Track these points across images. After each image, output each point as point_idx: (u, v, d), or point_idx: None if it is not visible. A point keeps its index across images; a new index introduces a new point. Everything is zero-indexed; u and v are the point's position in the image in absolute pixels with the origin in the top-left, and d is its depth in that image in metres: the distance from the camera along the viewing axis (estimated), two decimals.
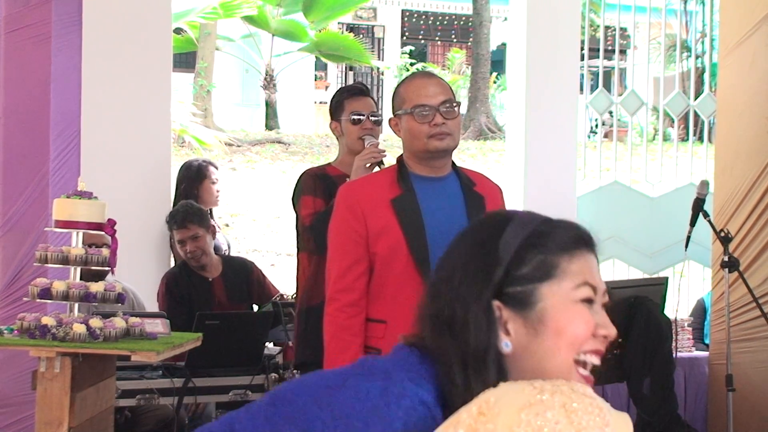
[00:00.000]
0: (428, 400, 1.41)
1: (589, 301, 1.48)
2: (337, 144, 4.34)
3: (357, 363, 1.49)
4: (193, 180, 5.78)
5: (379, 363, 1.48)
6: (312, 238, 3.98)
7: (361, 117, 4.19)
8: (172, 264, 5.67)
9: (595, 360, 1.49)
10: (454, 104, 3.26)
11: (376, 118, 4.22)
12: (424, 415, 1.40)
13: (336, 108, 4.26)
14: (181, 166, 5.98)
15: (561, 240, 1.50)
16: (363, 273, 3.21)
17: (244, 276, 5.36)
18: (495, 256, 1.48)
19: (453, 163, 3.35)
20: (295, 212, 4.24)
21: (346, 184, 3.43)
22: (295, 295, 4.60)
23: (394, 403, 1.39)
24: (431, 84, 3.29)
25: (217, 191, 5.84)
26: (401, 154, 3.36)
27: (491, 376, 1.44)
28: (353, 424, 1.37)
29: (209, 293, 5.24)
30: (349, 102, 4.23)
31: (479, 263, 1.49)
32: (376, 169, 3.82)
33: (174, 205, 5.64)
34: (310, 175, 4.19)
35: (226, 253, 5.78)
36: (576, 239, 1.52)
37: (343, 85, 4.61)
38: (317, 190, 4.09)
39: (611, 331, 1.49)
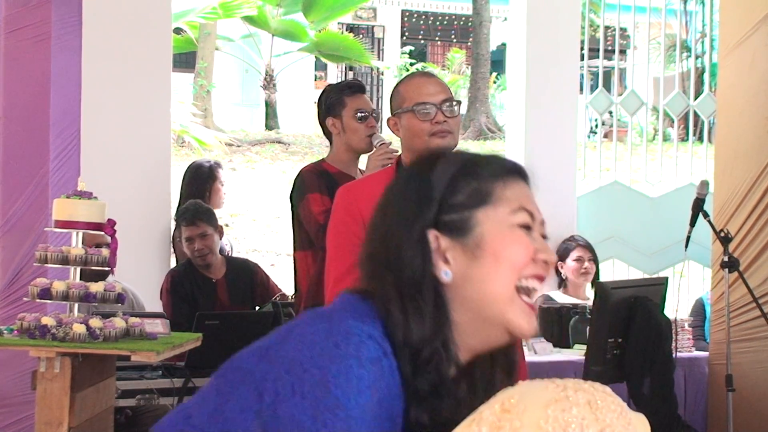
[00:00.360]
0: (375, 334, 1.39)
1: (527, 227, 1.47)
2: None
3: (298, 317, 1.48)
4: (204, 182, 5.79)
5: (319, 310, 1.47)
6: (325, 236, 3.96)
7: (367, 114, 4.18)
8: (173, 264, 5.67)
9: (537, 285, 1.48)
10: (454, 103, 3.26)
11: (376, 115, 4.23)
12: (375, 348, 1.38)
13: (335, 104, 4.23)
14: (190, 167, 5.98)
15: (494, 168, 1.50)
16: None
17: (247, 278, 5.35)
18: (428, 189, 1.48)
19: None
20: (294, 210, 4.21)
21: (344, 186, 3.42)
22: (294, 295, 4.62)
23: (342, 342, 1.36)
24: (431, 83, 3.29)
25: (224, 194, 5.86)
26: (400, 155, 3.36)
27: (428, 306, 1.43)
28: (307, 372, 1.35)
29: (212, 294, 5.24)
30: (352, 99, 4.21)
31: (412, 197, 1.48)
32: None
33: (179, 205, 5.64)
34: (313, 173, 4.17)
35: (229, 254, 5.78)
36: (509, 168, 1.51)
37: (334, 83, 4.57)
38: (322, 188, 4.08)
39: (551, 256, 1.48)
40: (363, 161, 4.13)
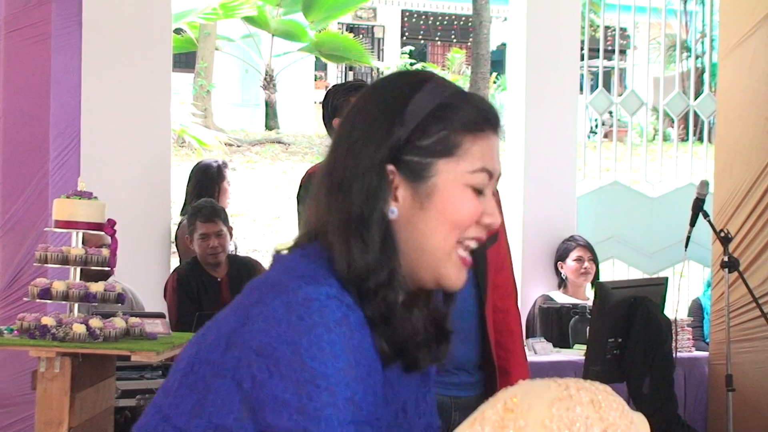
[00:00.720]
0: (332, 291, 1.38)
1: (480, 190, 1.46)
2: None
3: (244, 292, 1.45)
4: (213, 181, 5.79)
5: (266, 281, 1.43)
6: None
7: None
8: (173, 263, 5.67)
9: (475, 245, 1.47)
10: None
11: None
12: (338, 306, 1.36)
13: (341, 105, 4.22)
14: (198, 167, 5.98)
15: (468, 117, 1.46)
16: None
17: (249, 276, 5.33)
18: (400, 119, 1.45)
19: None
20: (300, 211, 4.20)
21: None
22: None
23: (305, 312, 1.34)
24: None
25: (230, 193, 5.87)
26: None
27: (374, 238, 1.42)
28: (278, 350, 1.34)
29: (216, 293, 5.24)
30: None
31: (382, 122, 1.46)
32: None
33: (184, 206, 5.64)
34: None
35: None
36: (483, 119, 1.48)
37: (338, 84, 4.56)
38: None
39: (496, 220, 1.47)
40: None
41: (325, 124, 4.31)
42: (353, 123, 1.48)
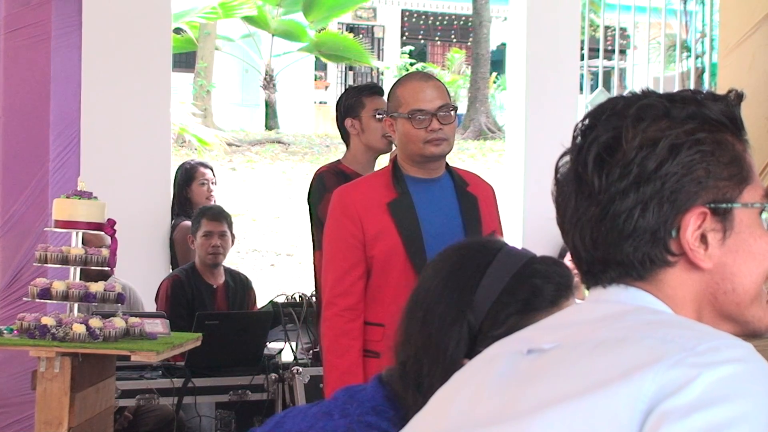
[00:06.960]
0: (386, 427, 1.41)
1: None
2: (335, 144, 4.34)
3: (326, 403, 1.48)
4: (183, 182, 5.81)
5: (337, 402, 1.47)
6: None
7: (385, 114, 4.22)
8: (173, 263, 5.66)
9: None
10: (451, 109, 3.27)
11: None
12: None
13: (354, 105, 4.25)
14: (178, 168, 6.01)
15: (540, 301, 1.44)
16: (360, 276, 3.22)
17: (243, 289, 5.40)
18: (470, 308, 1.43)
19: (446, 163, 3.36)
20: (312, 211, 4.21)
21: (341, 188, 3.43)
22: (303, 294, 4.87)
23: None
24: (429, 87, 3.28)
25: (209, 191, 5.83)
26: (395, 156, 3.37)
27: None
28: None
29: (211, 300, 5.24)
30: (370, 100, 4.24)
31: (453, 313, 1.45)
32: None
33: (173, 207, 5.67)
34: (331, 173, 4.17)
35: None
36: (556, 295, 1.46)
37: (353, 86, 4.61)
38: None
39: None
40: (380, 164, 4.13)
41: (338, 126, 4.35)
42: (426, 310, 1.48)
